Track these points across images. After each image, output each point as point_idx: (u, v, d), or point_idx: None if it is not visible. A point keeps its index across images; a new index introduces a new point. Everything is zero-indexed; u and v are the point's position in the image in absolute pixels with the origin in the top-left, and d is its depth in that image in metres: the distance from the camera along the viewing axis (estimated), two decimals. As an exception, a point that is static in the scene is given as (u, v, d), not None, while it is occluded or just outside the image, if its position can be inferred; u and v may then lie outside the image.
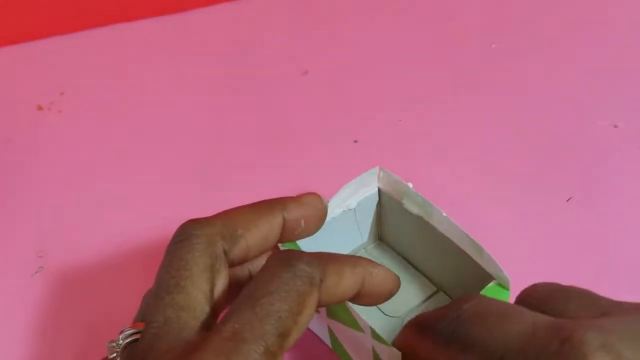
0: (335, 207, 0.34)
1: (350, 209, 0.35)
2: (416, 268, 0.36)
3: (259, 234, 0.29)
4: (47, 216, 0.41)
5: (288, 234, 0.30)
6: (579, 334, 0.21)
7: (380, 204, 0.36)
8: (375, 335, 0.29)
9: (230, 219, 0.29)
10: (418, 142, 0.44)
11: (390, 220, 0.36)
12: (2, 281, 0.38)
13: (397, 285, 0.30)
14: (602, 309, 0.23)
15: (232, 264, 0.28)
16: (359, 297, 0.29)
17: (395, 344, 0.28)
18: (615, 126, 0.44)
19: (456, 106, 0.46)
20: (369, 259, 0.30)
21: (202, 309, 0.26)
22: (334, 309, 0.31)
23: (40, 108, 0.47)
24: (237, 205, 0.30)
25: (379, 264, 0.30)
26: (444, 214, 0.32)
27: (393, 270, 0.30)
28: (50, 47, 0.51)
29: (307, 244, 0.33)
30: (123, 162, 0.44)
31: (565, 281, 0.30)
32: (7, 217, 0.41)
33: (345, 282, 0.28)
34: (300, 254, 0.27)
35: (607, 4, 0.52)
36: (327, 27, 0.51)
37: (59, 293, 0.37)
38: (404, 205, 0.34)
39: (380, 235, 0.37)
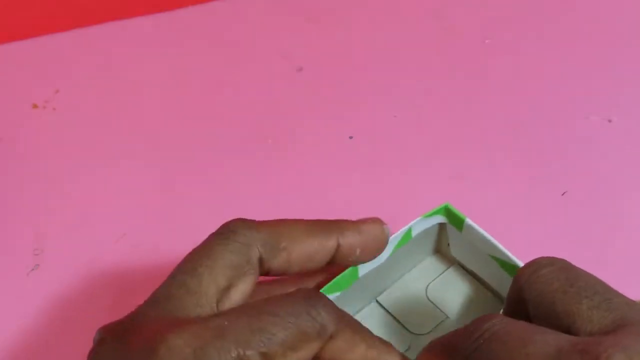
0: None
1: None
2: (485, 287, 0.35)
3: (304, 251, 0.28)
4: (43, 214, 0.41)
5: (341, 258, 0.29)
6: (605, 357, 0.20)
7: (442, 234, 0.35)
8: None
9: (278, 229, 0.28)
10: (413, 138, 0.44)
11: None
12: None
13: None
14: (615, 311, 0.23)
15: (267, 273, 0.28)
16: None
17: None
18: (610, 121, 0.44)
19: (451, 101, 0.46)
20: (390, 345, 0.28)
21: (208, 300, 0.26)
22: None
23: (35, 106, 0.47)
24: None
25: (397, 352, 0.28)
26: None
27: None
28: (44, 45, 0.51)
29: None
30: (118, 160, 0.44)
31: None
32: (3, 215, 0.41)
33: (354, 356, 0.26)
34: (327, 301, 0.26)
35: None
36: (321, 24, 0.51)
37: (54, 290, 0.37)
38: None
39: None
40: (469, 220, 0.32)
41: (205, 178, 0.42)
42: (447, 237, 0.34)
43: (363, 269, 0.31)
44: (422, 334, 0.33)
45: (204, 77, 0.49)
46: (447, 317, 0.33)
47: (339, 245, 0.29)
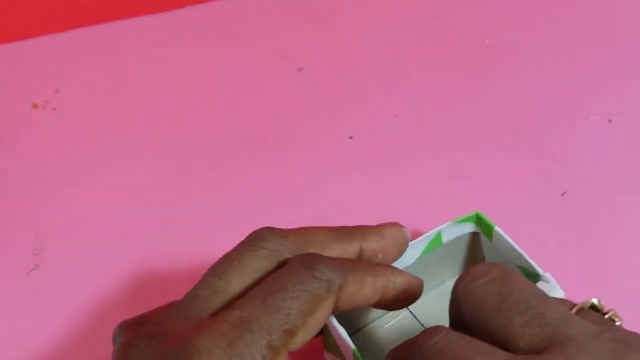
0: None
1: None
2: None
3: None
4: (43, 213, 0.41)
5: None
6: None
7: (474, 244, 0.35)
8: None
9: (304, 237, 0.29)
10: (413, 138, 0.44)
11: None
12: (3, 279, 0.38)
13: (420, 289, 0.30)
14: (548, 327, 0.23)
15: None
16: (382, 304, 0.29)
17: None
18: (610, 121, 0.44)
19: (451, 101, 0.46)
20: (393, 267, 0.29)
21: (234, 299, 0.26)
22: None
23: (35, 106, 0.47)
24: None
25: (402, 272, 0.29)
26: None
27: None
28: (44, 45, 0.51)
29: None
30: (118, 160, 0.44)
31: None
32: (3, 215, 0.41)
33: (366, 290, 0.28)
34: (322, 258, 0.27)
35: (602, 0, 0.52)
36: (321, 24, 0.51)
37: (55, 290, 0.37)
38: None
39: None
40: (497, 228, 0.32)
41: (206, 178, 0.42)
42: (482, 250, 0.34)
43: None
44: None
45: (204, 76, 0.49)
46: None
47: (362, 250, 0.30)
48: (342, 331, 0.29)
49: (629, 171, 0.41)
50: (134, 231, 0.40)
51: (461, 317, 0.25)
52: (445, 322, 0.33)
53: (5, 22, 0.52)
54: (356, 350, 0.29)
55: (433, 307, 0.34)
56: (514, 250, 0.31)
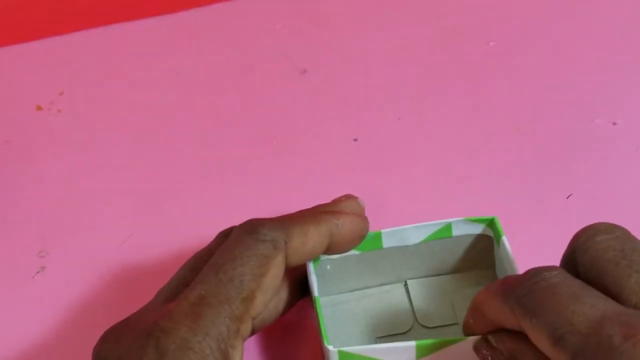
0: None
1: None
2: None
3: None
4: (48, 216, 0.41)
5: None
6: None
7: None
8: None
9: (288, 228, 0.29)
10: (417, 140, 0.44)
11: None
12: (3, 281, 0.38)
13: (367, 227, 0.31)
14: None
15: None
16: (330, 249, 0.30)
17: (473, 300, 0.28)
18: (614, 123, 0.44)
19: (455, 104, 0.46)
20: (334, 211, 0.30)
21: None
22: None
23: (39, 108, 0.47)
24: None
25: (344, 213, 0.30)
26: None
27: None
28: (48, 47, 0.51)
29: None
30: (123, 161, 0.44)
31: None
32: (8, 217, 0.41)
33: (312, 240, 0.29)
34: (263, 221, 0.28)
35: (606, 1, 0.52)
36: (325, 26, 0.51)
37: (60, 293, 0.37)
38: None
39: None
40: (504, 239, 0.32)
41: (211, 179, 0.42)
42: (494, 255, 0.34)
43: (388, 241, 0.33)
44: (428, 327, 0.34)
45: (208, 79, 0.49)
46: (458, 323, 0.34)
47: (332, 234, 0.30)
48: (313, 277, 0.31)
49: (634, 174, 0.41)
50: (141, 233, 0.40)
51: (574, 267, 0.25)
52: (429, 304, 0.34)
53: (9, 24, 0.52)
54: (317, 298, 0.30)
55: (426, 291, 0.35)
56: (511, 264, 0.32)
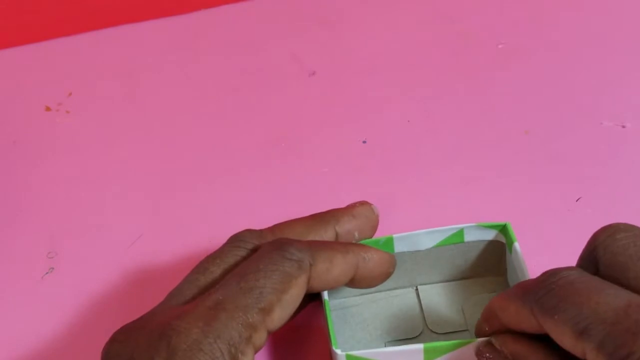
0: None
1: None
2: None
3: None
4: (57, 217, 0.41)
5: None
6: None
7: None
8: None
9: (282, 231, 0.30)
10: (427, 142, 0.44)
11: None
12: (12, 282, 0.38)
13: (393, 265, 0.31)
14: None
15: None
16: (355, 282, 0.30)
17: (489, 305, 0.28)
18: (623, 126, 0.44)
19: (464, 106, 0.46)
20: (362, 245, 0.30)
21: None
22: None
23: (48, 109, 0.47)
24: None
25: (372, 248, 0.30)
26: None
27: None
28: (57, 48, 0.52)
29: None
30: (132, 162, 0.44)
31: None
32: (17, 218, 0.41)
33: (337, 268, 0.29)
34: (292, 241, 0.28)
35: (614, 3, 0.52)
36: (334, 28, 0.51)
37: (69, 293, 0.37)
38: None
39: None
40: (516, 245, 0.32)
41: (219, 181, 0.42)
42: (505, 261, 0.34)
43: (399, 246, 0.33)
44: (438, 333, 0.34)
45: (216, 80, 0.49)
46: (468, 330, 0.34)
47: (337, 234, 0.31)
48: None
49: (643, 177, 0.41)
50: (150, 233, 0.40)
51: (593, 265, 0.26)
52: (439, 310, 0.34)
53: (18, 25, 0.52)
54: (326, 301, 0.30)
55: (437, 297, 0.35)
56: (523, 271, 0.32)
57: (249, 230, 0.31)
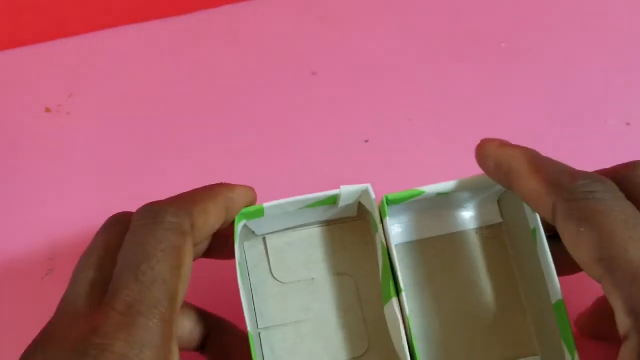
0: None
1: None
2: None
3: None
4: (57, 218, 0.41)
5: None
6: None
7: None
8: None
9: (191, 209, 0.28)
10: (429, 142, 0.43)
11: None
12: (12, 284, 0.38)
13: (255, 197, 0.31)
14: None
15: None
16: (226, 224, 0.30)
17: (505, 156, 0.28)
18: (628, 124, 0.43)
19: (467, 105, 0.45)
20: (226, 184, 0.30)
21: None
22: None
23: (48, 110, 0.47)
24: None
25: (236, 186, 0.30)
26: None
27: None
28: (57, 49, 0.51)
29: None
30: (132, 164, 0.44)
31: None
32: (17, 220, 0.41)
33: (213, 217, 0.28)
34: (165, 206, 0.27)
35: (618, 2, 0.51)
36: (335, 28, 0.51)
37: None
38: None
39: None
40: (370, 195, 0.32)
41: (221, 181, 0.42)
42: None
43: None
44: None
45: (217, 81, 0.48)
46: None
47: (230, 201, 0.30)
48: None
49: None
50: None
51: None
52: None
53: (17, 25, 0.52)
54: (239, 264, 0.29)
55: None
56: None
57: (158, 204, 0.29)
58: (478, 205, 0.35)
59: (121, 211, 0.30)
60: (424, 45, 0.49)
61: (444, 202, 0.34)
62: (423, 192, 0.31)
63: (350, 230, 0.34)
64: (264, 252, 0.34)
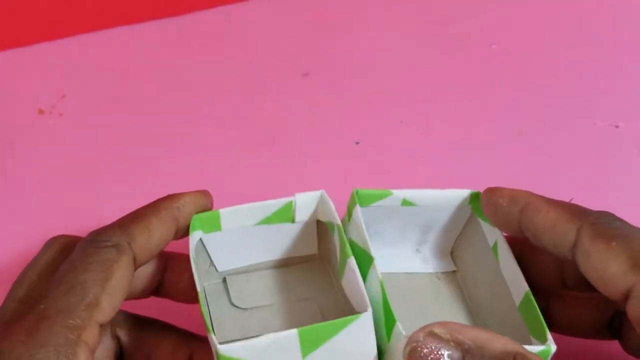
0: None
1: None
2: None
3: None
4: (50, 219, 0.41)
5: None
6: None
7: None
8: None
9: (128, 228, 0.28)
10: (420, 143, 0.44)
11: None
12: (5, 288, 0.38)
13: (210, 199, 0.31)
14: None
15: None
16: (180, 232, 0.29)
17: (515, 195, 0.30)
18: (616, 126, 0.44)
19: (457, 107, 0.46)
20: (171, 195, 0.29)
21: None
22: None
23: (41, 112, 0.47)
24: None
25: (183, 194, 0.29)
26: None
27: None
28: (50, 51, 0.51)
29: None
30: (125, 165, 0.44)
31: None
32: (10, 221, 0.41)
33: (157, 232, 0.28)
34: (102, 229, 0.27)
35: (607, 3, 0.52)
36: (328, 29, 0.51)
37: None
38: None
39: None
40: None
41: (211, 182, 0.42)
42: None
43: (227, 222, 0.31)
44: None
45: (210, 82, 0.49)
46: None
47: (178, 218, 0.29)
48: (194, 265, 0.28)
49: (636, 177, 0.41)
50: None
51: None
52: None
53: (10, 27, 0.52)
54: (200, 292, 0.28)
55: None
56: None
57: (61, 235, 0.30)
58: (433, 250, 0.35)
59: (60, 234, 0.31)
60: (415, 47, 0.50)
61: (406, 228, 0.33)
62: (391, 194, 0.31)
63: (310, 272, 0.33)
64: (224, 288, 0.33)
